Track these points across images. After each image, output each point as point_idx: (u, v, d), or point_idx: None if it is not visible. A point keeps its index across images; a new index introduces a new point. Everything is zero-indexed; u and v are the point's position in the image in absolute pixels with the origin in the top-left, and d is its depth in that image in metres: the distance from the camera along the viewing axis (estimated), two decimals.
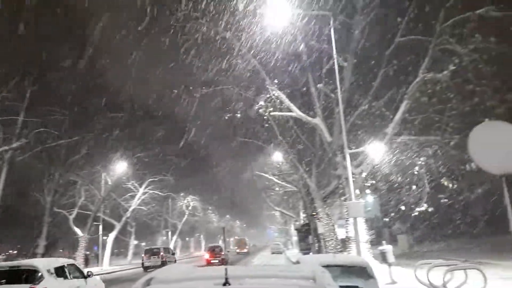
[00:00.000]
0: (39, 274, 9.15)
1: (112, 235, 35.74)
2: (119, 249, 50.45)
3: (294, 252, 40.14)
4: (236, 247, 54.07)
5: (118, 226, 35.99)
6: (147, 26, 18.18)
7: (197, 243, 69.46)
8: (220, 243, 42.19)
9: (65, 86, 23.26)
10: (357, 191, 16.85)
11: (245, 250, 52.65)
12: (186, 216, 50.07)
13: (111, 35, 21.70)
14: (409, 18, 15.86)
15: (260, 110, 19.34)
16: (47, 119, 22.20)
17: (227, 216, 69.88)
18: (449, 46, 14.17)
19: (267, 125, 21.56)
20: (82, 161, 27.96)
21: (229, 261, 32.08)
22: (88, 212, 31.51)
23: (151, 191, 36.37)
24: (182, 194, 47.09)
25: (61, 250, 41.99)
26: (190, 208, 49.79)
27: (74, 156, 27.03)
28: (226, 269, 2.27)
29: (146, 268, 28.10)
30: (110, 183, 32.24)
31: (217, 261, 29.01)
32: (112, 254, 38.42)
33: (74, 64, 21.48)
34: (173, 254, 36.59)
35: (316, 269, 2.79)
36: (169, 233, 50.87)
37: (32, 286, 8.89)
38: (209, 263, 28.60)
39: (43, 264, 9.66)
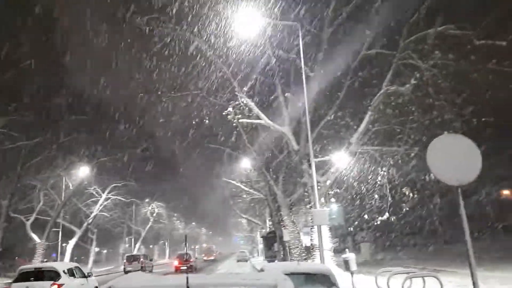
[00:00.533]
0: (58, 273, 12.13)
1: (72, 242, 34.41)
2: (79, 257, 48.58)
3: (259, 259, 40.13)
4: (203, 255, 56.02)
5: (78, 233, 34.70)
6: (116, 28, 17.86)
7: (162, 250, 68.06)
8: (190, 251, 45.83)
9: (26, 87, 22.36)
10: (322, 199, 17.11)
11: (212, 258, 54.59)
12: (150, 223, 49.03)
13: (77, 35, 21.08)
14: (375, 32, 16.43)
15: (229, 117, 19.32)
16: (6, 120, 21.25)
17: (193, 223, 69.02)
18: (412, 61, 14.77)
19: (235, 132, 21.55)
20: (42, 164, 26.88)
21: (197, 267, 34.24)
22: (47, 218, 30.27)
23: (114, 197, 35.39)
24: (147, 200, 46.12)
25: (16, 258, 39.95)
26: (154, 215, 48.82)
27: (33, 159, 25.94)
28: (187, 278, 2.23)
29: (127, 272, 30.19)
30: (71, 187, 31.15)
31: (185, 267, 29.50)
32: (72, 261, 36.94)
33: (36, 64, 20.65)
34: (151, 260, 39.49)
35: (278, 277, 2.81)
36: (132, 240, 49.59)
37: (54, 282, 11.79)
38: (178, 270, 30.62)
39: (60, 266, 13.23)
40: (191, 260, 33.11)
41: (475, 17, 14.25)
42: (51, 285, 11.70)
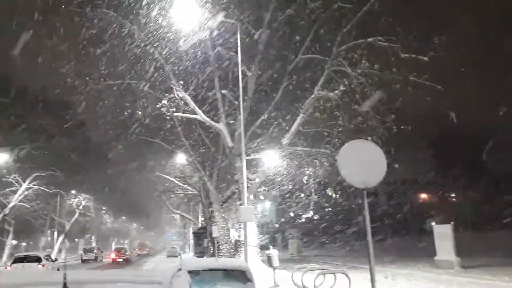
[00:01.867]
0: (40, 258, 18.65)
1: None
2: None
3: (189, 255, 39.87)
4: (137, 249, 59.42)
5: None
6: (46, 10, 16.69)
7: (88, 244, 64.82)
8: (126, 245, 53.61)
9: None
10: (251, 197, 17.43)
11: (145, 252, 58.29)
12: (76, 216, 46.54)
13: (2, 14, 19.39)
14: (311, 37, 17.01)
15: (163, 109, 18.93)
16: None
17: (123, 217, 66.61)
18: (342, 68, 15.51)
19: (169, 125, 21.17)
20: None
21: (132, 260, 38.78)
22: None
23: (36, 187, 33.10)
24: (73, 192, 43.67)
25: None
26: (81, 207, 46.40)
27: None
28: (65, 274, 2.15)
29: (84, 261, 37.71)
30: None
31: (122, 259, 36.50)
32: None
33: None
34: (102, 252, 44.79)
35: (168, 274, 2.82)
36: (55, 233, 46.77)
37: (41, 263, 17.99)
38: (115, 261, 36.22)
39: (41, 253, 20.48)
40: (127, 253, 38.64)
41: (402, 32, 15.27)
42: (38, 264, 17.86)
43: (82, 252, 42.84)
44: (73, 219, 46.60)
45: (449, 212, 40.84)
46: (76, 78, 18.52)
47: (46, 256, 19.64)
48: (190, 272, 7.37)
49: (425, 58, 14.74)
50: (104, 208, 54.03)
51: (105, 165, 34.57)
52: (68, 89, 22.07)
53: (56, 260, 19.90)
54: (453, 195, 43.64)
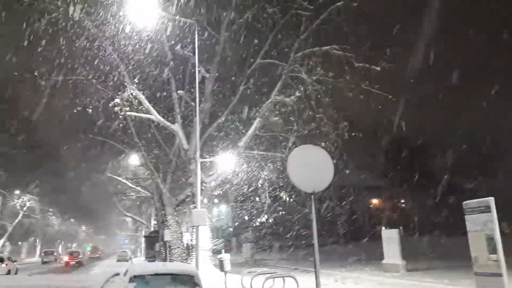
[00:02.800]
0: (3, 259, 23.03)
1: None
2: None
3: (141, 259, 38.77)
4: (89, 253, 59.35)
5: None
6: None
7: (32, 248, 61.30)
8: (79, 248, 53.89)
9: None
10: (205, 200, 17.21)
11: (97, 255, 58.89)
12: (19, 217, 43.87)
13: None
14: (270, 42, 17.13)
15: (116, 109, 18.28)
16: None
17: (72, 220, 63.68)
18: (299, 74, 15.73)
19: (122, 125, 20.47)
20: None
21: (84, 263, 39.76)
22: None
23: None
24: (17, 192, 41.15)
25: None
26: (25, 208, 43.80)
27: None
28: None
29: (44, 263, 40.42)
30: None
31: (74, 262, 37.65)
32: None
33: None
34: (60, 254, 48.45)
35: (101, 279, 2.67)
36: None
37: (4, 263, 22.44)
38: (68, 264, 36.89)
39: (4, 255, 25.10)
40: (80, 256, 39.89)
41: (356, 41, 15.74)
42: (2, 264, 22.12)
43: (43, 254, 46.09)
44: (16, 220, 43.90)
45: (398, 217, 42.62)
46: (23, 72, 17.51)
47: (8, 257, 24.51)
48: (136, 277, 7.14)
49: (378, 68, 15.26)
50: (51, 209, 51.38)
51: (53, 164, 32.93)
52: (14, 84, 20.87)
53: (15, 261, 24.85)
54: (403, 201, 45.59)
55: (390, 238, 17.07)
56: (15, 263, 24.82)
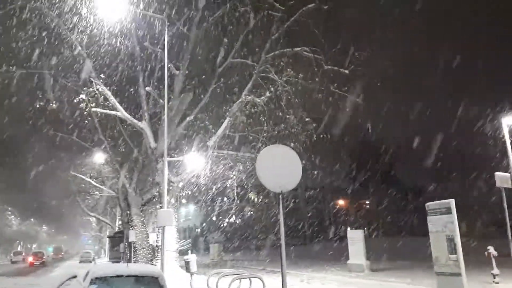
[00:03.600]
0: None
1: None
2: None
3: (104, 260, 37.74)
4: (52, 253, 60.98)
5: None
6: None
7: None
8: (40, 249, 55.14)
9: None
10: (173, 200, 16.91)
11: (60, 256, 60.25)
12: None
13: None
14: (241, 41, 17.05)
15: (81, 105, 17.67)
16: None
17: (32, 219, 61.18)
18: (269, 74, 15.73)
19: (86, 121, 19.79)
20: None
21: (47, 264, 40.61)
22: None
23: None
24: None
25: None
26: None
27: None
28: None
29: (13, 262, 42.10)
30: None
31: (38, 263, 38.79)
32: None
33: None
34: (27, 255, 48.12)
35: (56, 282, 2.51)
36: None
37: None
38: (32, 265, 37.64)
39: None
40: (44, 257, 41.90)
41: (326, 44, 15.91)
42: None
43: (12, 255, 49.91)
44: None
45: (363, 218, 43.61)
46: None
47: None
48: (98, 279, 6.86)
49: (346, 71, 15.53)
50: (9, 208, 49.16)
51: (13, 161, 31.43)
52: None
53: None
54: (367, 202, 46.68)
55: (355, 238, 17.38)
56: None
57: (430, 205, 10.07)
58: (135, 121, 18.21)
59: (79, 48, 16.33)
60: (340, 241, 29.44)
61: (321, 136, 16.27)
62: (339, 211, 46.87)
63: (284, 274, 5.54)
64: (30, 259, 40.30)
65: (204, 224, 36.49)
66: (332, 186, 40.91)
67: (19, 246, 67.33)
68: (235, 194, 19.09)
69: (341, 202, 48.31)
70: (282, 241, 5.70)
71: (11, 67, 16.29)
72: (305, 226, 39.93)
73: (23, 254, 50.98)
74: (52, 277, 22.37)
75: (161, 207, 16.62)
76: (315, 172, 18.98)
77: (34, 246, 71.51)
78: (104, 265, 11.27)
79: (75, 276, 6.45)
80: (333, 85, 15.16)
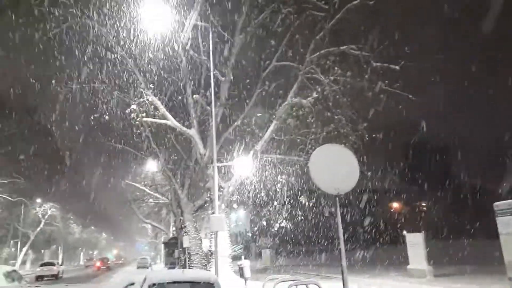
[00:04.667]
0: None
1: None
2: None
3: (161, 266, 38.78)
4: (114, 259, 70.52)
5: None
6: (9, 6, 15.86)
7: (54, 255, 62.21)
8: (100, 256, 65.78)
9: None
10: (223, 205, 16.96)
11: (121, 262, 69.20)
12: (41, 226, 44.55)
13: None
14: (285, 43, 16.87)
15: (132, 115, 18.27)
16: None
17: (92, 227, 64.45)
18: (315, 75, 15.38)
19: (138, 131, 20.45)
20: None
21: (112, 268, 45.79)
22: None
23: None
24: (38, 200, 41.78)
25: None
26: (47, 216, 44.45)
27: None
28: None
29: (87, 266, 45.62)
30: None
31: (104, 267, 44.75)
32: None
33: None
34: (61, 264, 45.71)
35: None
36: (19, 243, 44.57)
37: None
38: (99, 269, 43.64)
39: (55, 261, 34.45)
40: (109, 262, 50.20)
41: (374, 40, 15.31)
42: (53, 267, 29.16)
43: (85, 260, 58.90)
44: (38, 229, 44.63)
45: (421, 221, 41.57)
46: (39, 80, 17.68)
47: (57, 262, 32.55)
48: (155, 284, 6.91)
49: (397, 67, 14.79)
50: (71, 217, 52.09)
51: (72, 172, 33.32)
52: (31, 92, 21.13)
53: (62, 264, 32.14)
54: (424, 204, 44.49)
55: (415, 242, 16.45)
56: (62, 266, 31.55)
57: (499, 205, 9.26)
58: (184, 128, 18.55)
59: (129, 61, 16.93)
60: (396, 245, 28.18)
61: (373, 136, 15.61)
62: (394, 214, 45.07)
63: (345, 279, 5.23)
64: (98, 264, 47.00)
65: (256, 229, 36.38)
66: (386, 188, 39.36)
67: (81, 253, 71.13)
68: (285, 198, 18.82)
69: (395, 204, 46.48)
70: (342, 246, 5.40)
71: (69, 82, 17.16)
72: (358, 229, 38.74)
73: (94, 259, 58.12)
74: (114, 283, 23.26)
75: (212, 213, 16.76)
76: (368, 174, 18.23)
77: (95, 252, 75.25)
78: (160, 272, 11.43)
79: (133, 283, 6.52)
80: (384, 82, 14.50)
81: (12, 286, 11.63)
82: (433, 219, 38.82)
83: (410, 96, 14.82)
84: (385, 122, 16.53)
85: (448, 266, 18.28)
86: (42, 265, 31.24)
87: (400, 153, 35.85)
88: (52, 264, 31.56)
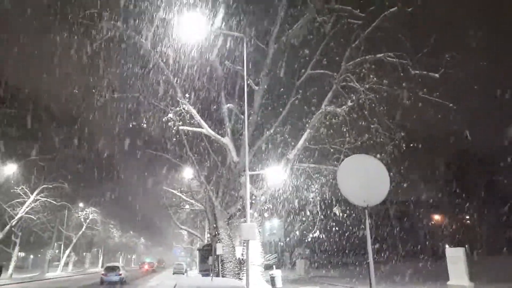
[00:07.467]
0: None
1: None
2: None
3: (195, 272, 39.18)
4: (157, 263, 76.63)
5: None
6: (53, 19, 16.81)
7: (95, 258, 64.51)
8: (154, 260, 75.32)
9: None
10: (256, 214, 16.94)
11: (162, 265, 76.64)
12: (83, 229, 46.37)
13: (11, 25, 19.64)
14: (320, 52, 16.76)
15: (169, 123, 18.73)
16: None
17: (131, 232, 66.31)
18: (350, 83, 15.13)
19: (174, 139, 20.92)
20: None
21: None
22: None
23: (43, 199, 33.05)
24: (80, 204, 43.58)
25: None
26: (88, 220, 46.24)
27: None
28: None
29: (140, 268, 53.86)
30: None
31: (151, 269, 56.74)
32: None
33: None
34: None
35: None
36: (62, 246, 46.55)
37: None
38: (146, 271, 54.25)
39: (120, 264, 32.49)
40: (154, 265, 62.95)
41: (412, 47, 14.89)
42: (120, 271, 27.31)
43: (140, 263, 69.60)
44: (80, 232, 46.44)
45: (463, 235, 39.59)
46: (83, 90, 18.50)
47: (122, 266, 31.55)
48: None
49: (436, 75, 14.32)
50: (112, 222, 53.82)
51: (112, 178, 34.53)
52: (76, 102, 22.13)
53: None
54: (467, 217, 42.40)
55: (456, 257, 15.66)
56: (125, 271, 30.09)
57: None
58: (219, 136, 18.78)
59: (166, 71, 17.42)
60: (437, 260, 26.97)
61: (411, 145, 15.08)
62: (434, 227, 43.28)
63: None
64: (146, 266, 59.61)
65: (288, 238, 36.02)
66: (426, 200, 37.87)
67: (120, 257, 73.28)
68: (318, 208, 18.52)
69: (436, 217, 44.62)
70: (370, 259, 5.23)
71: (110, 91, 17.86)
72: (396, 242, 37.48)
73: (144, 263, 66.66)
74: (147, 286, 23.76)
75: (244, 221, 16.77)
76: (405, 185, 17.61)
77: (133, 256, 77.36)
78: (190, 279, 11.57)
79: None
80: (422, 91, 14.04)
81: None
82: (476, 233, 36.92)
83: (451, 105, 14.24)
84: (425, 132, 15.93)
85: (492, 283, 17.25)
86: (107, 269, 28.46)
87: (443, 163, 34.45)
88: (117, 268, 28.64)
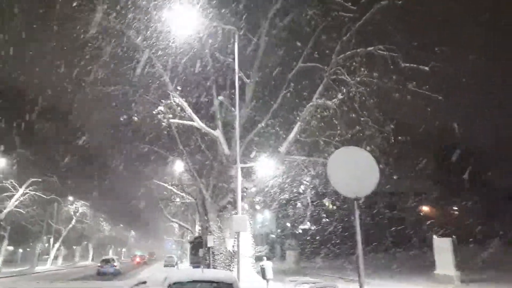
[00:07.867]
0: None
1: None
2: None
3: (186, 265, 39.34)
4: (148, 256, 75.82)
5: None
6: (43, 12, 16.58)
7: (85, 252, 64.22)
8: (146, 253, 76.84)
9: None
10: (247, 206, 17.05)
11: (153, 258, 77.00)
12: (73, 223, 46.10)
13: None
14: (311, 45, 16.79)
15: (159, 116, 18.66)
16: None
17: (121, 225, 66.09)
18: (341, 76, 15.23)
19: (165, 132, 20.87)
20: None
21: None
22: None
23: (32, 193, 32.74)
24: (70, 198, 43.26)
25: None
26: (78, 214, 45.98)
27: None
28: None
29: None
30: None
31: (142, 262, 58.24)
32: None
33: None
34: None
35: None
36: (51, 239, 46.27)
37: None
38: (138, 263, 56.23)
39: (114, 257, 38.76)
40: (145, 258, 64.71)
41: (402, 41, 15.00)
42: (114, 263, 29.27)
43: (132, 256, 67.53)
44: (70, 225, 46.17)
45: (451, 225, 40.26)
46: (72, 83, 18.33)
47: (116, 258, 34.44)
48: (175, 283, 7.10)
49: (426, 68, 14.49)
50: (102, 215, 53.58)
51: (102, 171, 34.31)
52: (65, 94, 21.91)
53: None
54: (455, 208, 43.07)
55: (443, 247, 16.05)
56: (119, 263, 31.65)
57: None
58: (210, 129, 18.78)
59: (157, 64, 17.31)
60: (423, 250, 27.45)
61: (400, 138, 15.29)
62: (422, 217, 43.92)
63: (362, 284, 5.19)
64: (137, 259, 61.30)
65: (279, 230, 36.31)
66: (414, 191, 38.42)
67: (110, 250, 73.12)
68: (309, 200, 18.70)
69: (424, 208, 45.25)
70: (359, 250, 5.36)
71: (98, 85, 17.70)
72: (385, 233, 37.98)
73: (135, 256, 68.42)
74: (136, 279, 23.82)
75: (235, 213, 16.87)
76: (394, 177, 17.86)
77: (124, 249, 77.24)
78: (181, 271, 11.67)
79: (144, 282, 6.74)
80: (412, 84, 14.20)
81: None
82: (463, 224, 37.61)
83: (440, 97, 14.43)
84: (414, 125, 16.14)
85: (477, 272, 17.69)
86: (103, 261, 32.16)
87: (431, 155, 34.90)
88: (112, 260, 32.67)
